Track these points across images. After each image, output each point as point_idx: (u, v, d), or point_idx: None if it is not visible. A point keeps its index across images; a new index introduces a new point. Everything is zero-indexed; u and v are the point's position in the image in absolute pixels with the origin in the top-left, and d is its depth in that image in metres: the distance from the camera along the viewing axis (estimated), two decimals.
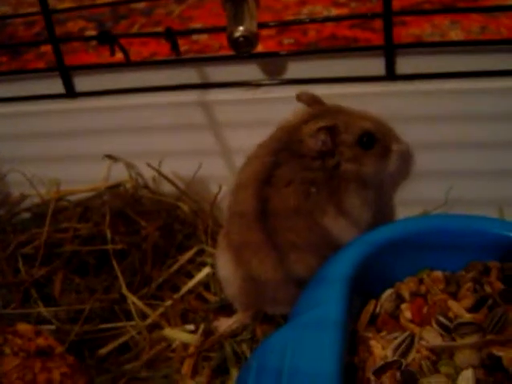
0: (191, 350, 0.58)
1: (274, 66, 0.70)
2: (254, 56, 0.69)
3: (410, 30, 1.20)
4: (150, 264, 0.69)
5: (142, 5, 1.58)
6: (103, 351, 0.61)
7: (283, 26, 0.70)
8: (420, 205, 0.70)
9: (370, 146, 0.58)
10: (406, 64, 0.66)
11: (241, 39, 0.61)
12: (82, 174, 0.78)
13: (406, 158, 0.63)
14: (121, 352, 0.61)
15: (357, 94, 0.67)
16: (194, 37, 1.35)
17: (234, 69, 0.71)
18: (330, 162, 0.58)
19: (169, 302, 0.65)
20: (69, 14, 1.60)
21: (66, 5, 1.60)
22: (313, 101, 0.63)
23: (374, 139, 0.59)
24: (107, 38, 0.72)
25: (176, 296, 0.65)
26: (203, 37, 1.35)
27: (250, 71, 0.71)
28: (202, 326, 0.61)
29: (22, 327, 0.54)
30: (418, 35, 1.18)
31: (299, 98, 0.63)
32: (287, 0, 1.51)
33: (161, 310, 0.64)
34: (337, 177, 0.58)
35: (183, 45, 1.32)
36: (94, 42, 1.27)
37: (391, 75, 0.66)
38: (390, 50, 0.64)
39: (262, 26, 0.67)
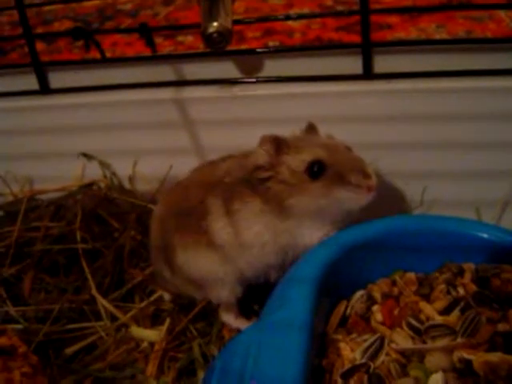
0: (156, 348, 0.57)
1: (250, 63, 0.70)
2: (230, 53, 0.68)
3: (396, 33, 1.20)
4: (123, 266, 0.68)
5: (128, 6, 1.57)
6: (70, 351, 0.60)
7: (253, 23, 0.68)
8: (396, 206, 0.69)
9: (317, 175, 0.54)
10: (384, 63, 0.66)
11: (215, 35, 0.59)
12: (56, 172, 0.77)
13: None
14: (88, 353, 0.60)
15: (333, 93, 0.66)
16: (180, 38, 1.34)
17: (210, 66, 0.71)
18: (260, 174, 0.56)
19: (139, 306, 0.63)
20: (55, 15, 1.59)
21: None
22: (310, 130, 0.61)
23: (324, 168, 0.54)
24: (81, 33, 0.71)
25: (147, 301, 0.64)
26: (188, 38, 1.34)
27: (226, 69, 0.70)
28: (166, 324, 0.59)
29: None
30: (403, 39, 1.18)
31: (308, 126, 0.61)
32: (275, 3, 1.50)
33: (131, 313, 0.62)
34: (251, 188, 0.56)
35: (168, 46, 1.31)
36: (79, 43, 1.26)
37: (368, 74, 0.65)
38: (366, 49, 0.63)
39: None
